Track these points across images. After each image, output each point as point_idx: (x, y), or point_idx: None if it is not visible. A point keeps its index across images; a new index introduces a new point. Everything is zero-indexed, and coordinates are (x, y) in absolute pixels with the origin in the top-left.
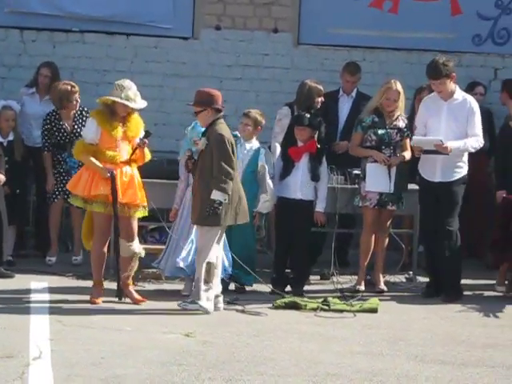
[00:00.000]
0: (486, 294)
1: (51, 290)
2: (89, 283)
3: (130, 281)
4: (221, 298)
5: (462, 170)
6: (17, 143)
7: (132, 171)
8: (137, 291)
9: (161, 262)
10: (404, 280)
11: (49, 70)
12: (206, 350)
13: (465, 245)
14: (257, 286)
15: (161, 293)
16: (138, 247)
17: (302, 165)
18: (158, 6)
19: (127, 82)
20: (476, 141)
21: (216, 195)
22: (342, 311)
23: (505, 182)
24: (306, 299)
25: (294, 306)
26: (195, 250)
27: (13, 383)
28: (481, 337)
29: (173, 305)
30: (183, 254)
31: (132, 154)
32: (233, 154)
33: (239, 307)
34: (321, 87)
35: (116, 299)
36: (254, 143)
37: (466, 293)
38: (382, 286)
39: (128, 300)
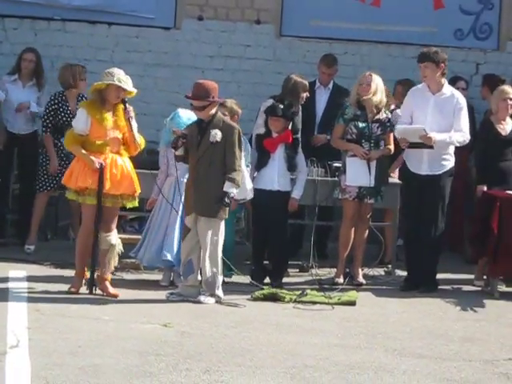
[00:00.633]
0: (465, 288)
1: (29, 279)
2: (67, 272)
3: (107, 275)
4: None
5: (449, 162)
6: None
7: (123, 161)
8: (115, 281)
9: (139, 252)
10: (383, 273)
11: (34, 55)
12: (184, 341)
13: (445, 239)
14: (236, 278)
15: (139, 283)
16: (114, 239)
17: (278, 155)
18: None
19: (116, 69)
20: (462, 136)
21: (229, 187)
22: (320, 303)
23: (485, 176)
24: (284, 291)
25: (273, 298)
26: (179, 240)
27: None
28: (459, 331)
29: (151, 295)
30: (168, 245)
31: (128, 136)
32: None
33: (217, 298)
34: (306, 82)
35: (97, 291)
36: None
37: (444, 287)
38: (361, 279)
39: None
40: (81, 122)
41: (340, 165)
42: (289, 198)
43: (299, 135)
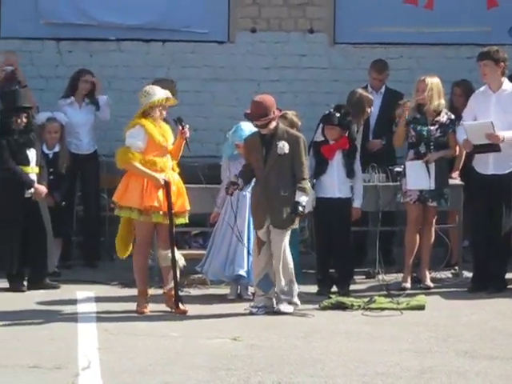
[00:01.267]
0: None
1: (97, 299)
2: (134, 291)
3: (173, 292)
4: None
5: None
6: (62, 155)
7: (177, 178)
8: (182, 297)
9: (204, 266)
10: (450, 276)
11: (90, 76)
12: (254, 354)
13: None
14: (302, 288)
15: (206, 298)
16: (176, 255)
17: (337, 162)
18: (192, 11)
19: (147, 86)
20: None
21: (300, 196)
22: (389, 309)
23: None
24: (352, 299)
25: (341, 306)
26: (248, 254)
27: None
28: None
29: (218, 309)
30: (238, 260)
31: (178, 151)
32: None
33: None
34: (371, 97)
35: (162, 306)
36: None
37: None
38: (429, 283)
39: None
40: (139, 138)
41: (401, 169)
42: (350, 205)
43: (357, 142)
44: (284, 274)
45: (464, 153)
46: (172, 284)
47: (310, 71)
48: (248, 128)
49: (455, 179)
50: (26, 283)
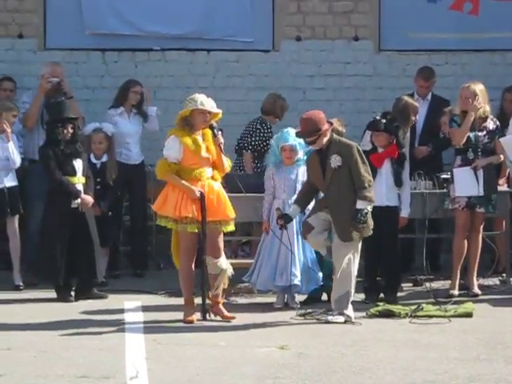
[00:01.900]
0: None
1: (144, 309)
2: (181, 300)
3: (220, 298)
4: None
5: None
6: (110, 165)
7: (218, 186)
8: (229, 306)
9: (252, 276)
10: (498, 283)
11: (140, 87)
12: (302, 362)
13: None
14: None
15: (253, 306)
16: (225, 263)
17: (385, 171)
18: (237, 19)
19: (197, 94)
20: None
21: (361, 204)
22: (436, 317)
23: None
24: (399, 306)
25: (388, 314)
26: (303, 265)
27: None
28: None
29: (265, 317)
30: (293, 269)
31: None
32: None
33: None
34: (417, 105)
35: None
36: None
37: None
38: (476, 290)
39: (218, 317)
40: (174, 149)
41: (448, 176)
42: (398, 213)
43: (405, 150)
44: (341, 283)
45: None
46: (219, 290)
47: (354, 79)
48: (294, 132)
49: (502, 186)
50: (73, 293)
